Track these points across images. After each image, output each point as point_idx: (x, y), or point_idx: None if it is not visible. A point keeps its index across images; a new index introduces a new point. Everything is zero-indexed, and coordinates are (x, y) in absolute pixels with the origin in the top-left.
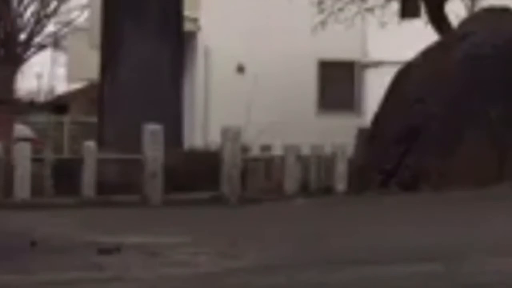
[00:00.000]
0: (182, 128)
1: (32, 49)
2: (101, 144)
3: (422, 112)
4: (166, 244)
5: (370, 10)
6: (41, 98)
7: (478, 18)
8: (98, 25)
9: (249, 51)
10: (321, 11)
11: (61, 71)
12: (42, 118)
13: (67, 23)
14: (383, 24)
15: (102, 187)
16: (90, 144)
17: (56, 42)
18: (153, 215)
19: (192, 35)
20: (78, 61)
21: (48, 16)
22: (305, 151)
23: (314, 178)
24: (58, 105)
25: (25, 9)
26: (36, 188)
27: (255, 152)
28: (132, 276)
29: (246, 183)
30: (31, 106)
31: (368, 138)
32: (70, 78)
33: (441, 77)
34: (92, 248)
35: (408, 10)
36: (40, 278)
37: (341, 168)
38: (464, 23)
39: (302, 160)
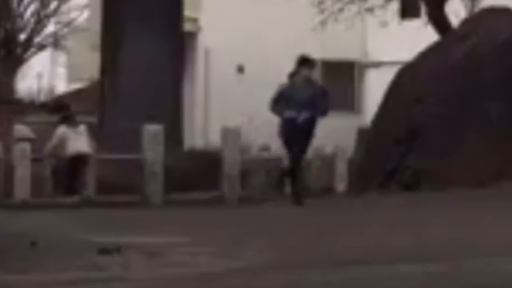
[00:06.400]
0: (182, 128)
1: (32, 49)
2: (101, 144)
3: (422, 112)
4: (166, 244)
5: (370, 10)
6: (41, 98)
7: (478, 18)
8: (98, 25)
9: (249, 51)
10: (321, 11)
11: (61, 71)
12: (42, 118)
13: (67, 23)
14: (383, 24)
15: (102, 187)
16: (90, 144)
17: (56, 42)
18: (153, 215)
19: (192, 35)
20: (78, 61)
21: (48, 16)
22: None
23: (314, 178)
24: (58, 105)
25: (25, 9)
26: (36, 188)
27: (255, 152)
28: (132, 276)
29: (246, 183)
30: (31, 106)
31: (368, 138)
32: (70, 78)
33: (441, 77)
34: (92, 248)
35: (408, 10)
36: (40, 278)
37: (341, 168)
38: (464, 23)
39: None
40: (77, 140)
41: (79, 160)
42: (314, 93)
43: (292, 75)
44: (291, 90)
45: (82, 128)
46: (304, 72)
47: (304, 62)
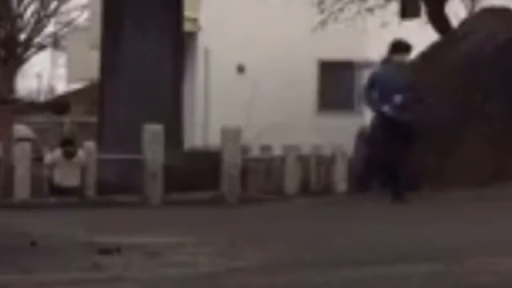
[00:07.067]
0: (182, 128)
1: (32, 49)
2: (101, 144)
3: (422, 111)
4: (166, 244)
5: (370, 10)
6: (41, 98)
7: (478, 18)
8: (98, 25)
9: (249, 51)
10: (321, 11)
11: (61, 71)
12: (42, 118)
13: (67, 23)
14: (383, 24)
15: (102, 187)
16: (90, 144)
17: (56, 42)
18: (153, 215)
19: (192, 36)
20: (78, 61)
21: (48, 16)
22: (305, 151)
23: (314, 178)
24: (58, 105)
25: (25, 9)
26: (36, 189)
27: (255, 152)
28: (132, 276)
29: (246, 183)
30: (31, 106)
31: (368, 138)
32: (70, 78)
33: (441, 77)
34: (92, 248)
35: (408, 10)
36: (40, 278)
37: (341, 168)
38: (464, 23)
39: (302, 160)
40: (66, 172)
41: (62, 191)
42: (408, 80)
43: (385, 62)
44: (382, 78)
45: (79, 157)
46: (397, 58)
47: (397, 47)
